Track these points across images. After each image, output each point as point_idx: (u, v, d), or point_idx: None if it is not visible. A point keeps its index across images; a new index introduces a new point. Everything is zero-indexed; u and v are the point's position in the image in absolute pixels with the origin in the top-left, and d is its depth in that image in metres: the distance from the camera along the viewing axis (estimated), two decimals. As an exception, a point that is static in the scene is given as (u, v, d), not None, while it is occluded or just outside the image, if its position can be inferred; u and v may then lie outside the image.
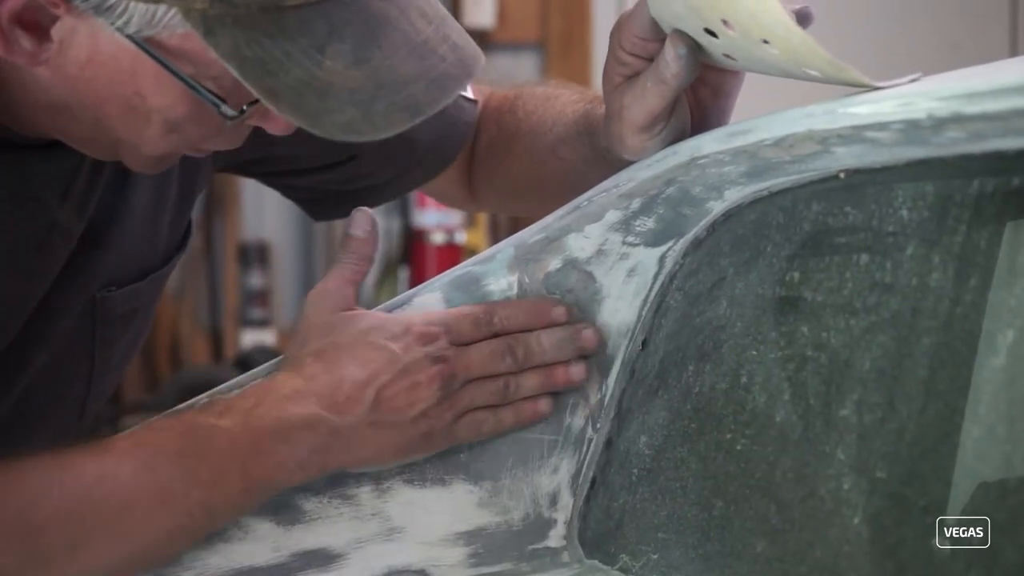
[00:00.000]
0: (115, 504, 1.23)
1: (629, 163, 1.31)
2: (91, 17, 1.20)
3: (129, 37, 1.19)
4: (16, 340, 1.37)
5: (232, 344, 4.42)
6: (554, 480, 1.33)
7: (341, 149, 1.52)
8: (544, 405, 1.31)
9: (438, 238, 4.37)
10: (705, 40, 1.21)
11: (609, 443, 1.32)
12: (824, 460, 1.13)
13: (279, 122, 1.26)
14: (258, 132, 1.49)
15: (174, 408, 1.29)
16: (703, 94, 1.30)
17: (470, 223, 4.44)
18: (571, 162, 1.47)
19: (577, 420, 1.33)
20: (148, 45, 1.20)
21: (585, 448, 1.33)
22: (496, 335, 1.30)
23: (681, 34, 1.23)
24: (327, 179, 1.56)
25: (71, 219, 1.37)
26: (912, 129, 1.06)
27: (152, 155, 1.29)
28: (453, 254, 4.30)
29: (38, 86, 1.25)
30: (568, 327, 1.30)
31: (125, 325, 1.46)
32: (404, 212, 4.46)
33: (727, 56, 1.22)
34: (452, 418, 1.28)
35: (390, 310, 1.31)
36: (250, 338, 4.43)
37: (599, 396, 1.32)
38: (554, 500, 1.33)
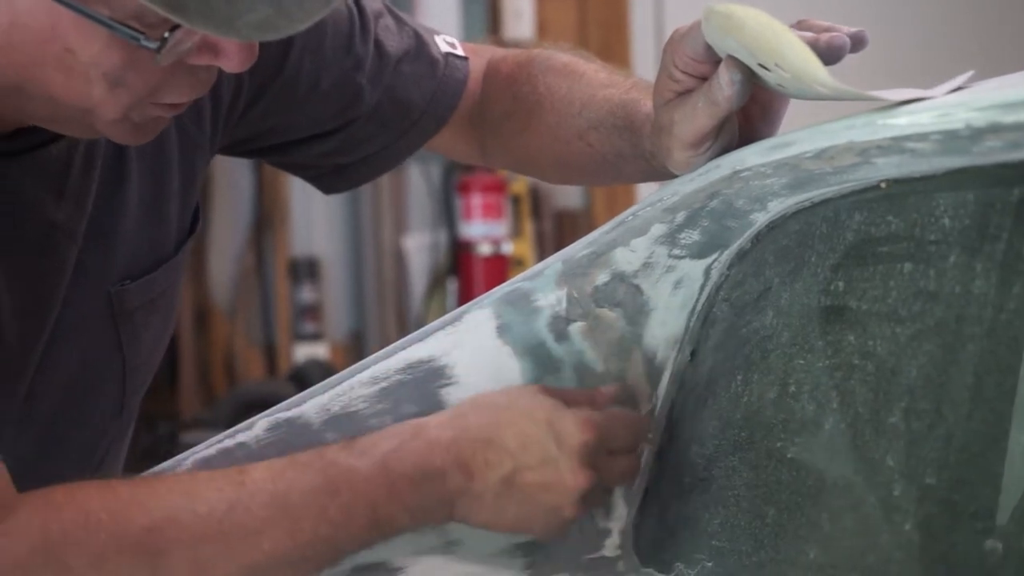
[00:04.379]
0: (243, 534, 1.22)
1: (671, 171, 1.31)
2: None
3: None
4: (44, 343, 1.37)
5: (286, 358, 4.44)
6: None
7: (334, 116, 1.50)
8: None
9: (485, 249, 4.38)
10: (759, 71, 1.21)
11: (661, 453, 1.32)
12: (874, 467, 1.13)
13: (229, 56, 1.23)
14: (251, 109, 1.47)
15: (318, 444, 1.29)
16: (752, 111, 1.29)
17: (516, 233, 4.45)
18: (601, 151, 1.45)
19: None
20: None
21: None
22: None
23: (736, 61, 1.22)
24: (325, 150, 1.53)
25: (71, 217, 1.36)
26: (950, 139, 1.06)
27: (115, 118, 1.25)
28: (500, 265, 4.31)
29: None
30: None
31: (146, 316, 1.45)
32: (450, 224, 4.47)
33: (780, 86, 1.22)
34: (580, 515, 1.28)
35: (441, 327, 1.32)
36: (303, 352, 4.45)
37: (649, 407, 1.33)
38: (608, 510, 1.33)
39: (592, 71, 1.49)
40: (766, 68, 1.19)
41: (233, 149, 1.52)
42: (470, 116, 1.57)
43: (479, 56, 1.58)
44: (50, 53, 1.21)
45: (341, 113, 1.50)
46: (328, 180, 1.59)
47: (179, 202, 1.45)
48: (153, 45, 1.19)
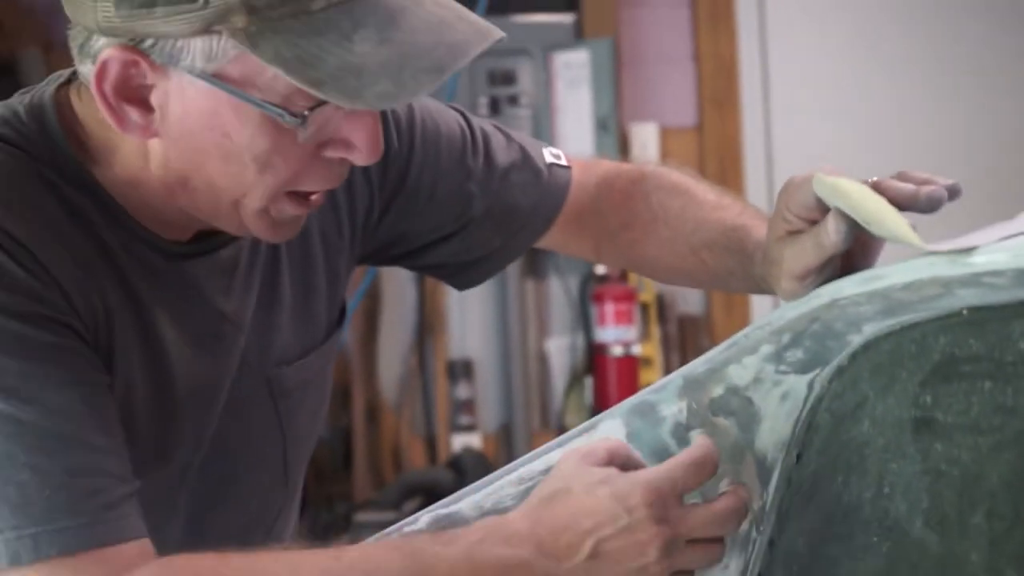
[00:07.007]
0: None
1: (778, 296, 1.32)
2: (170, 70, 1.23)
3: (201, 76, 1.23)
4: (216, 417, 1.40)
5: (445, 447, 4.46)
6: (725, 577, 1.32)
7: (451, 221, 1.53)
8: None
9: (617, 351, 4.36)
10: (862, 223, 1.23)
11: (771, 543, 1.32)
12: (960, 562, 1.12)
13: (359, 150, 1.28)
14: (382, 219, 1.51)
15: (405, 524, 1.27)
16: (853, 248, 1.29)
17: (645, 337, 4.44)
18: (713, 268, 1.47)
19: (744, 524, 1.32)
20: (217, 80, 1.23)
21: (751, 548, 1.32)
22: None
23: (843, 214, 1.24)
24: (449, 251, 1.55)
25: (237, 310, 1.39)
26: (1023, 276, 1.06)
27: (259, 207, 1.29)
28: (631, 364, 4.29)
29: (159, 164, 1.29)
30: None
31: (301, 396, 1.47)
32: (587, 329, 4.47)
33: (879, 236, 1.24)
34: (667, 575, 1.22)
35: (579, 435, 1.33)
36: (460, 441, 4.46)
37: (761, 503, 1.32)
38: (724, 592, 1.32)
39: (701, 191, 1.51)
40: (868, 224, 1.21)
41: (375, 257, 1.56)
42: (579, 219, 1.58)
43: (589, 169, 1.60)
44: (212, 139, 1.26)
45: (457, 218, 1.53)
46: (459, 278, 1.61)
47: (326, 299, 1.49)
48: (296, 122, 1.24)
